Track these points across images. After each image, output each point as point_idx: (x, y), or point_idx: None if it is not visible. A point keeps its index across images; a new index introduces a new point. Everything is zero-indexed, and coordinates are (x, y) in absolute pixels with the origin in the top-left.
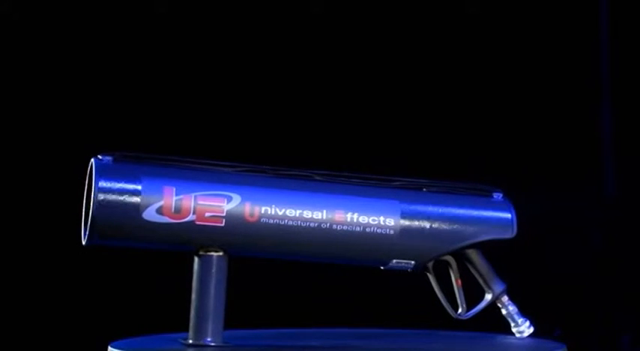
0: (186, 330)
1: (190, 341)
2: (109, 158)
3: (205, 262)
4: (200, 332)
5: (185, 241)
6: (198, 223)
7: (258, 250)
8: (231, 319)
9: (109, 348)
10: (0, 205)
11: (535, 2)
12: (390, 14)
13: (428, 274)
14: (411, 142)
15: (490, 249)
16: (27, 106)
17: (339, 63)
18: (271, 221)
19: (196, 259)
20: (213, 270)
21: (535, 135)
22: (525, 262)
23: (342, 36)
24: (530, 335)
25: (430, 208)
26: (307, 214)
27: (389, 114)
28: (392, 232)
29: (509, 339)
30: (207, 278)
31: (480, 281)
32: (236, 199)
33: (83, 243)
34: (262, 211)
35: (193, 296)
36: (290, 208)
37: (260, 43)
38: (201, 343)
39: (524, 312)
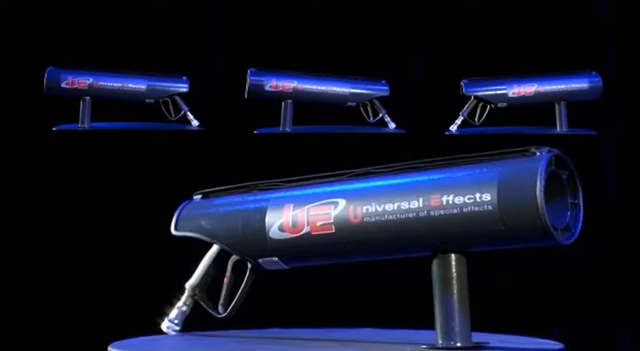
0: (188, 330)
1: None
2: None
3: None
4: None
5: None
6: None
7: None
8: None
9: (109, 348)
10: (0, 205)
11: None
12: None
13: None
14: (412, 139)
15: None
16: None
17: None
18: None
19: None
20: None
21: (535, 135)
22: (525, 262)
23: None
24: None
25: None
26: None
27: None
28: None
29: (509, 339)
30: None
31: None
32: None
33: None
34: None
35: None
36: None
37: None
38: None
39: (523, 312)
